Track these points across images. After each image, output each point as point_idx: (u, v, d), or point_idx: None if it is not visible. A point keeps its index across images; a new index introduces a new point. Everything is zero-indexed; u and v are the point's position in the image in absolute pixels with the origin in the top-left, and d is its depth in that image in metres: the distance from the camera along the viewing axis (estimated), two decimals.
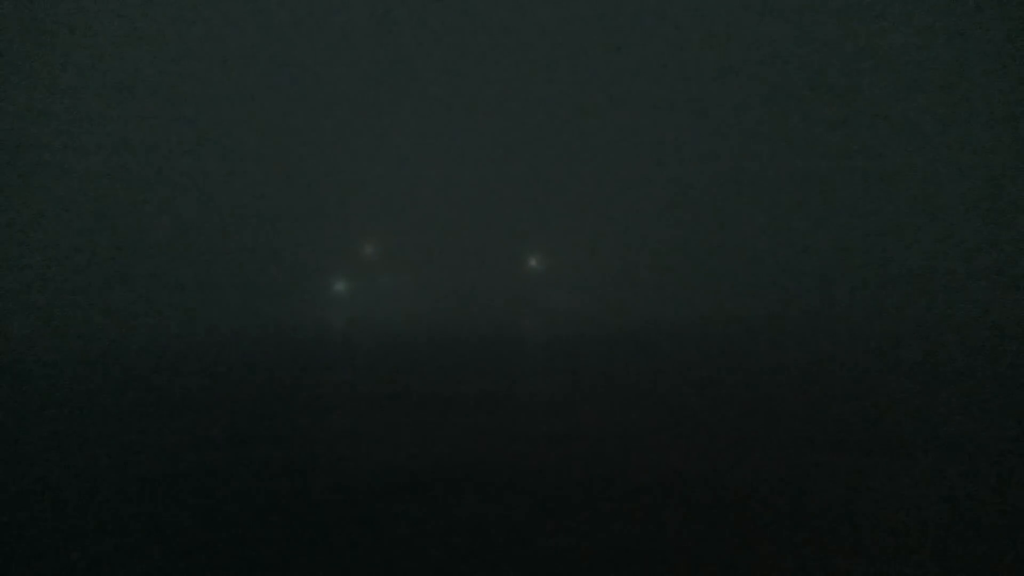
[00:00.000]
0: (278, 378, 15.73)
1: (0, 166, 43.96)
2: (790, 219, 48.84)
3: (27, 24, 44.27)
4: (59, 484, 7.17)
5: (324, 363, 18.98)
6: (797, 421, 9.71)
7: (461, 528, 5.68)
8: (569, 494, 6.54)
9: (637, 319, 39.22)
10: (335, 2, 51.53)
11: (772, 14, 48.82)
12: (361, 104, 52.48)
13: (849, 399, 11.50)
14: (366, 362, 19.21)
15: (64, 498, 6.69)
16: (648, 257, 50.43)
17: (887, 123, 47.41)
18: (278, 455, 8.30)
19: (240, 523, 5.89)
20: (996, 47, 42.88)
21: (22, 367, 19.39)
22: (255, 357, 21.31)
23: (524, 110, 52.94)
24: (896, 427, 9.22)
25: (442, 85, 53.09)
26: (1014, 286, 40.35)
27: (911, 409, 10.47)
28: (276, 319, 45.89)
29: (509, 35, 52.58)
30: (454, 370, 16.68)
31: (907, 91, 46.75)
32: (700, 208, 50.83)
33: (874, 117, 47.56)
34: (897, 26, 46.78)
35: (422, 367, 17.55)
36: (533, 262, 52.92)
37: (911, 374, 14.57)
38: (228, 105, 50.25)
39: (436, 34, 52.91)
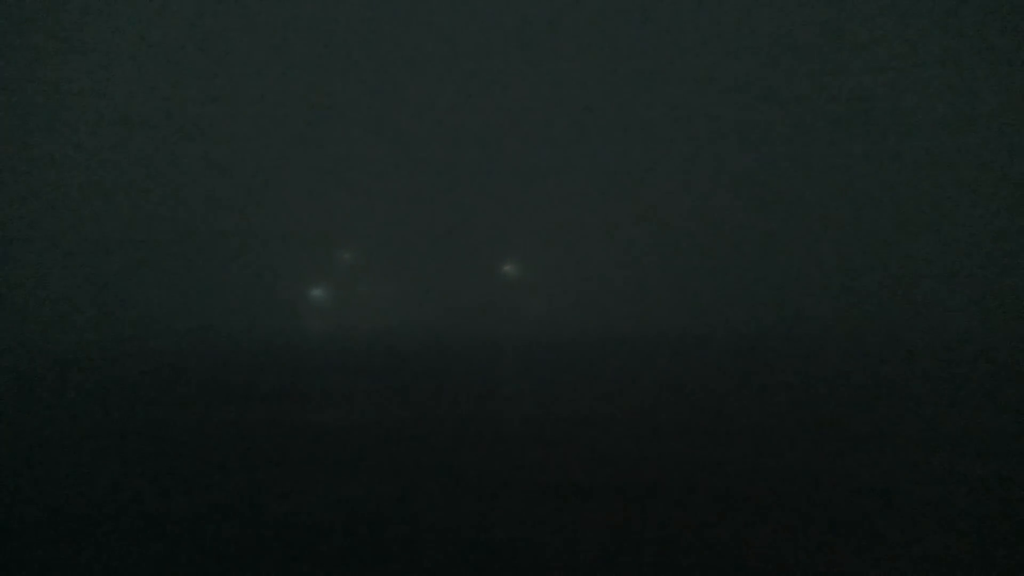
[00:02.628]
0: (256, 383, 15.68)
1: None
2: (777, 223, 48.58)
3: (25, 25, 44.47)
4: (30, 485, 7.10)
5: (303, 369, 18.90)
6: (784, 426, 9.64)
7: (446, 531, 5.62)
8: (548, 499, 6.47)
9: (618, 326, 39.27)
10: (314, 6, 51.64)
11: (762, 9, 48.58)
12: (341, 109, 52.56)
13: (838, 406, 11.43)
14: (346, 368, 19.14)
15: (42, 499, 6.61)
16: (630, 263, 50.28)
17: (885, 125, 47.32)
18: (258, 460, 8.25)
19: (225, 525, 5.82)
20: (1000, 47, 42.83)
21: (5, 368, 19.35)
22: (232, 363, 21.28)
23: (505, 115, 52.91)
24: (895, 427, 9.13)
25: (422, 90, 53.16)
26: (1017, 287, 40.28)
27: (912, 412, 10.39)
28: (254, 326, 45.92)
29: (486, 40, 52.56)
30: (434, 376, 16.64)
31: (911, 95, 46.70)
32: (683, 213, 50.62)
33: (870, 115, 47.45)
34: (901, 26, 46.74)
35: (403, 373, 17.50)
36: (513, 268, 52.93)
37: (909, 376, 14.50)
38: (209, 109, 50.33)
39: (415, 39, 53.01)
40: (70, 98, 45.47)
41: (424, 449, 8.61)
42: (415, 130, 52.69)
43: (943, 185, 45.48)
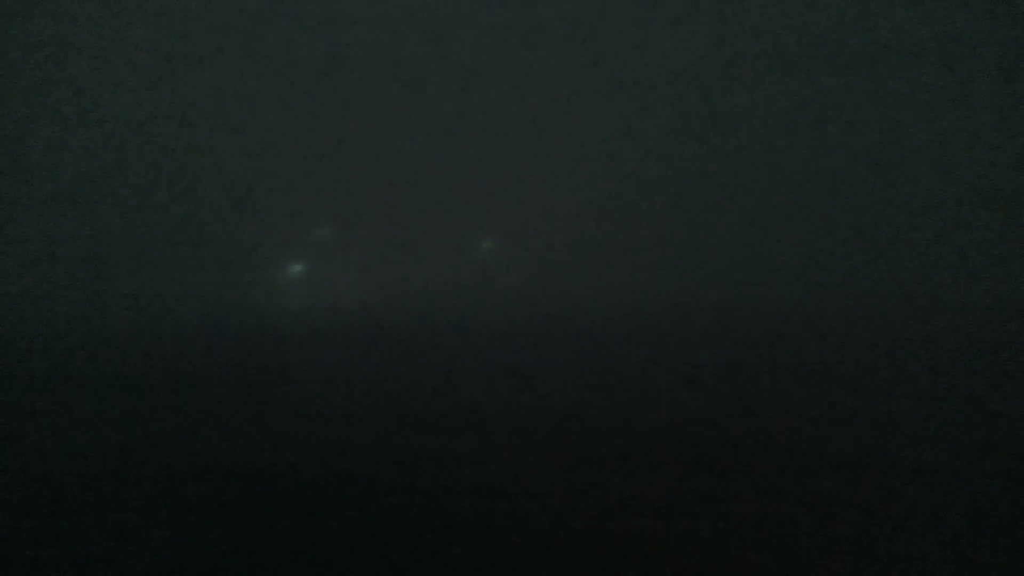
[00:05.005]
0: (227, 365, 15.62)
1: None
2: (764, 207, 48.14)
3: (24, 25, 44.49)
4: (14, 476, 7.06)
5: (275, 350, 18.85)
6: (772, 411, 9.60)
7: (418, 513, 5.58)
8: (522, 478, 6.46)
9: (593, 305, 39.13)
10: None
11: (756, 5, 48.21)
12: (312, 91, 52.49)
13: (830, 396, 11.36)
14: (318, 349, 19.10)
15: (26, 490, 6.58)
16: (605, 242, 49.94)
17: (867, 105, 47.06)
18: (232, 443, 8.22)
19: (206, 514, 5.77)
20: (998, 44, 42.71)
21: None
22: (201, 344, 21.18)
23: (476, 93, 52.63)
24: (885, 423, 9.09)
25: (392, 71, 53.08)
26: (1014, 280, 40.19)
27: (902, 404, 10.34)
28: (225, 307, 45.72)
29: (454, 19, 52.33)
30: (406, 356, 16.62)
31: (903, 81, 46.55)
32: (660, 192, 50.22)
33: (853, 97, 47.15)
34: (895, 21, 46.58)
35: (375, 354, 17.46)
36: (487, 247, 52.79)
37: (901, 368, 14.43)
38: (182, 93, 50.31)
39: (382, 21, 52.91)
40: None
41: (393, 430, 8.62)
42: (390, 112, 52.68)
43: (939, 173, 45.43)
